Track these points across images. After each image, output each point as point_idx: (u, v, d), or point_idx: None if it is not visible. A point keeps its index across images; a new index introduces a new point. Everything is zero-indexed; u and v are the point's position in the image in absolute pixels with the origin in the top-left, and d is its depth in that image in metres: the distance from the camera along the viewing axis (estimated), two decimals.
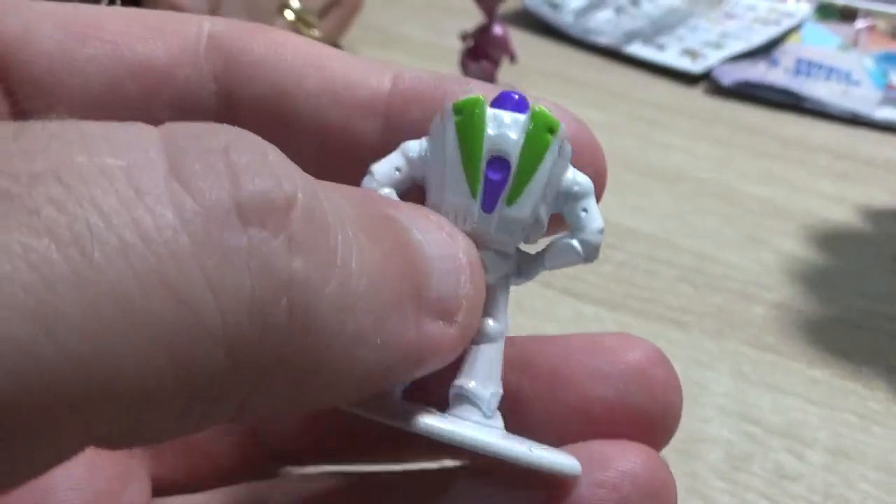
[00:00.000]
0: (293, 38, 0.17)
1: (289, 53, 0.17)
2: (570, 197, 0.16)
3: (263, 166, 0.11)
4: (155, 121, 0.15)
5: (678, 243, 0.39)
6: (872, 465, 0.27)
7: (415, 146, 0.16)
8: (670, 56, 0.59)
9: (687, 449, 0.27)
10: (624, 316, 0.34)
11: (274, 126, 0.17)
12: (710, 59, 0.58)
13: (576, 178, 0.16)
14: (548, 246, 0.17)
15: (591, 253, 0.16)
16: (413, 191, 0.17)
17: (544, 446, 0.17)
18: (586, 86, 0.55)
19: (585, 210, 0.16)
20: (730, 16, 0.65)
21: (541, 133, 0.15)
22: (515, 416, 0.17)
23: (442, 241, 0.14)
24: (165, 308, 0.10)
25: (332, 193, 0.12)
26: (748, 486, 0.26)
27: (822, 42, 0.62)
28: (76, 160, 0.10)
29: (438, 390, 0.16)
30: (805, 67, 0.58)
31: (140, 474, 0.19)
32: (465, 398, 0.16)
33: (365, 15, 0.60)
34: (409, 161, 0.16)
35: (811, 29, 0.64)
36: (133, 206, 0.10)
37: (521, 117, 0.15)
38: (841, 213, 0.42)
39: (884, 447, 0.28)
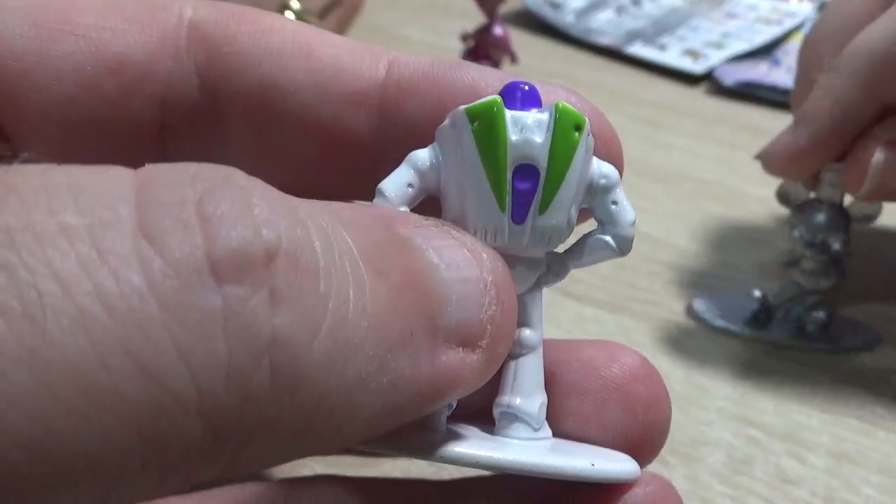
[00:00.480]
0: (280, 22, 0.16)
1: (276, 41, 0.16)
2: (599, 190, 0.15)
3: (242, 216, 0.10)
4: (135, 117, 0.14)
5: (679, 245, 0.39)
6: (875, 469, 0.27)
7: (424, 156, 0.15)
8: (671, 56, 0.59)
9: (688, 452, 0.27)
10: (625, 318, 0.34)
11: (263, 122, 0.16)
12: (711, 60, 0.58)
13: (602, 170, 0.15)
14: (578, 243, 0.16)
15: (625, 247, 0.16)
16: (426, 202, 0.15)
17: (600, 451, 0.16)
18: (587, 86, 0.55)
19: (615, 203, 0.16)
20: (731, 15, 0.65)
21: (568, 132, 0.14)
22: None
23: (463, 262, 0.13)
24: (132, 384, 0.09)
25: (330, 223, 0.11)
26: (750, 490, 0.26)
27: None
28: (34, 219, 0.09)
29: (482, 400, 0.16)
30: None
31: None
32: (513, 416, 0.15)
33: (365, 16, 0.60)
34: (421, 174, 0.15)
35: None
36: (95, 270, 0.09)
37: (544, 117, 0.14)
38: None
39: (887, 451, 0.28)
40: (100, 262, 0.09)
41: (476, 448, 0.14)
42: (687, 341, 0.32)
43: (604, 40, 0.61)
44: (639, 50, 0.60)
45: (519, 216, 0.14)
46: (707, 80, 0.57)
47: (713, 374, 0.31)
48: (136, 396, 0.09)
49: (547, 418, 0.16)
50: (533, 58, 0.58)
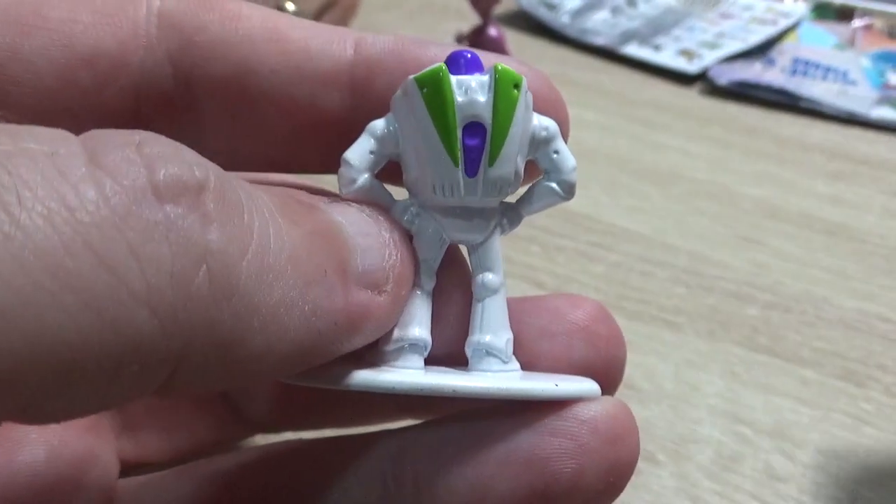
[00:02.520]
0: (247, 8, 0.17)
1: (245, 27, 0.16)
2: (541, 142, 0.17)
3: (176, 156, 0.12)
4: (111, 108, 0.15)
5: (672, 244, 0.39)
6: (863, 465, 0.27)
7: (381, 124, 0.16)
8: (666, 56, 0.59)
9: (677, 450, 0.28)
10: (617, 317, 0.33)
11: (238, 105, 0.17)
12: (706, 60, 0.58)
13: (542, 122, 0.17)
14: (527, 192, 0.18)
15: (569, 191, 0.17)
16: (388, 165, 0.17)
17: (564, 377, 0.18)
18: (582, 87, 0.56)
19: (557, 152, 0.17)
20: (726, 16, 0.65)
21: (507, 90, 0.15)
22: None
23: (364, 222, 0.15)
24: (92, 271, 0.10)
25: (249, 186, 0.13)
26: (738, 486, 0.26)
27: (818, 41, 0.62)
28: (2, 148, 0.11)
29: (458, 353, 0.17)
30: (802, 67, 0.58)
31: (105, 457, 0.19)
32: (483, 351, 0.17)
33: (362, 17, 0.61)
34: (380, 140, 0.16)
35: (808, 28, 0.64)
36: (58, 184, 0.10)
37: (485, 78, 0.15)
38: (836, 213, 0.42)
39: (875, 448, 0.28)
40: (60, 178, 0.11)
41: (443, 379, 0.16)
42: (678, 340, 0.33)
43: (599, 41, 0.62)
44: (634, 50, 0.60)
45: (471, 170, 0.16)
46: (701, 80, 0.57)
47: (704, 372, 0.31)
48: (95, 282, 0.10)
49: (521, 361, 0.18)
50: (528, 58, 0.58)
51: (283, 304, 0.12)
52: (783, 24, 0.63)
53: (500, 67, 0.15)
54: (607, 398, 0.17)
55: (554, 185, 0.17)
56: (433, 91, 0.15)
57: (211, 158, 0.17)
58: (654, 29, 0.64)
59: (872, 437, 0.28)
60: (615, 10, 0.66)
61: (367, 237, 0.15)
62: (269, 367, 0.13)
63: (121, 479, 0.20)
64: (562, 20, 0.64)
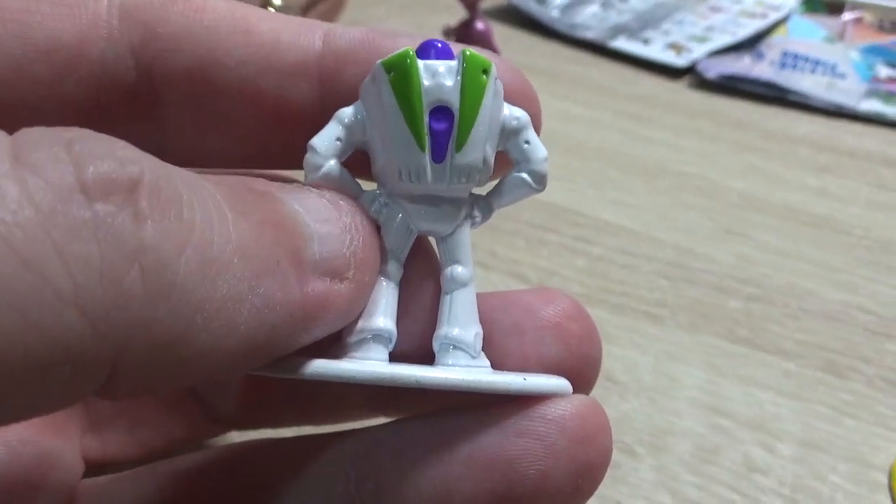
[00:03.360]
0: (213, 1, 0.17)
1: (210, 18, 0.16)
2: (511, 132, 0.17)
3: (108, 153, 0.12)
4: (71, 100, 0.15)
5: (657, 237, 0.39)
6: (843, 456, 0.27)
7: (350, 111, 0.16)
8: (655, 50, 0.59)
9: (656, 442, 0.28)
10: (599, 310, 0.34)
11: (203, 98, 0.16)
12: (694, 53, 0.58)
13: (513, 112, 0.17)
14: (498, 183, 0.17)
15: (540, 181, 0.17)
16: (356, 156, 0.17)
17: (535, 374, 0.17)
18: (572, 81, 0.55)
19: (528, 142, 0.17)
20: (716, 9, 0.65)
21: (476, 75, 0.15)
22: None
23: (322, 208, 0.15)
24: (14, 272, 0.10)
25: (193, 177, 0.13)
26: (717, 479, 0.26)
27: (808, 35, 0.62)
28: None
29: (425, 347, 0.17)
30: (791, 60, 0.58)
31: (68, 456, 0.19)
32: (450, 345, 0.17)
33: (350, 11, 0.61)
34: (347, 128, 0.16)
35: (797, 22, 0.64)
36: None
37: (453, 63, 0.15)
38: (821, 205, 0.42)
39: (855, 439, 0.28)
40: None
41: (406, 370, 0.15)
42: (660, 333, 0.33)
43: (589, 35, 0.61)
44: (623, 44, 0.60)
45: (438, 155, 0.15)
46: (690, 74, 0.57)
47: (685, 365, 0.31)
48: (17, 283, 0.10)
49: (491, 359, 0.17)
50: (518, 53, 0.58)
51: (230, 298, 0.12)
52: (773, 17, 0.63)
53: (468, 52, 0.15)
54: (578, 396, 0.17)
55: (525, 175, 0.17)
56: (400, 74, 0.15)
57: (178, 153, 0.17)
58: (644, 23, 0.64)
59: (853, 429, 0.28)
60: (605, 4, 0.66)
61: (326, 223, 0.15)
62: (220, 363, 0.13)
63: (85, 479, 0.20)
64: (551, 14, 0.64)
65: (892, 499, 0.26)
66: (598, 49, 0.60)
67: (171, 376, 0.12)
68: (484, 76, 0.15)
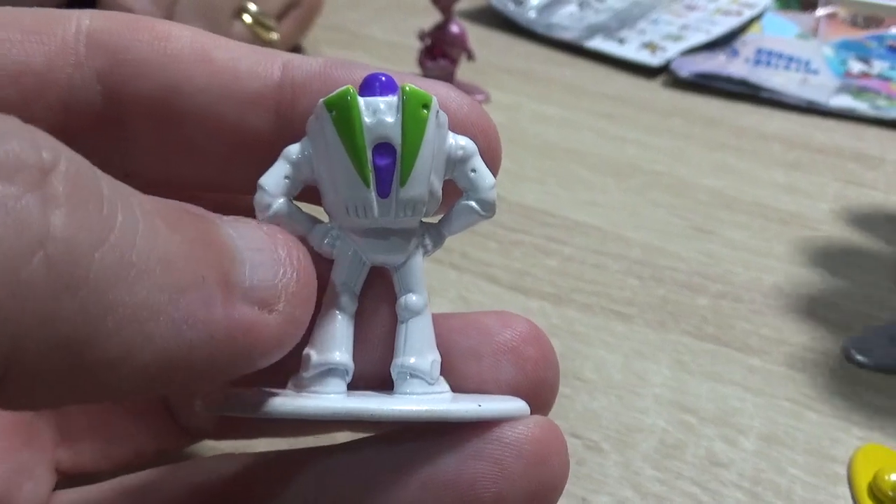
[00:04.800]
0: (177, 29, 0.17)
1: (174, 47, 0.17)
2: (458, 161, 0.17)
3: (21, 135, 0.11)
4: (39, 123, 0.15)
5: (627, 236, 0.39)
6: (803, 449, 0.28)
7: (295, 149, 0.16)
8: (630, 50, 0.60)
9: (622, 439, 0.28)
10: (569, 310, 0.34)
11: (166, 124, 0.17)
12: (669, 52, 0.59)
13: (457, 142, 0.17)
14: (448, 212, 0.18)
15: (488, 209, 0.17)
16: (307, 192, 0.17)
17: (491, 397, 0.17)
18: (547, 81, 0.56)
19: (474, 170, 0.17)
20: (691, 7, 0.66)
21: (416, 110, 0.16)
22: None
23: (258, 237, 0.15)
24: None
25: (121, 184, 0.12)
26: (679, 473, 0.27)
27: (782, 31, 0.63)
28: None
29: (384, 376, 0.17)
30: (765, 57, 0.59)
31: (38, 469, 0.20)
32: (407, 374, 0.17)
33: (328, 15, 0.61)
34: (295, 165, 0.16)
35: (771, 19, 0.64)
36: None
37: (394, 99, 0.16)
38: (790, 201, 0.43)
39: (815, 432, 0.29)
40: None
41: (362, 403, 0.16)
42: (627, 332, 0.33)
43: (565, 35, 0.62)
44: (598, 44, 0.61)
45: (383, 190, 0.16)
46: (664, 73, 0.57)
47: (652, 362, 0.32)
48: None
49: (450, 383, 0.17)
50: (494, 54, 0.59)
51: (146, 306, 0.12)
52: (747, 14, 0.64)
53: (407, 88, 0.16)
54: (535, 418, 0.17)
55: (473, 203, 0.17)
56: (341, 113, 0.15)
57: (143, 176, 0.17)
58: (621, 22, 0.64)
59: (814, 422, 0.29)
60: (582, 4, 0.67)
61: (260, 252, 0.14)
62: (132, 377, 0.12)
63: (57, 490, 0.20)
64: (528, 16, 0.65)
65: (851, 490, 0.26)
66: (575, 49, 0.61)
67: (76, 385, 0.11)
68: (424, 110, 0.16)
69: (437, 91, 0.16)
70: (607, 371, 0.31)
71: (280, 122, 0.17)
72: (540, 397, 0.18)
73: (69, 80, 0.16)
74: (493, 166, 0.18)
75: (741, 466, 0.27)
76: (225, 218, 0.15)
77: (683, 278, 0.36)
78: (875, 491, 0.26)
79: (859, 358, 0.32)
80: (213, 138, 0.17)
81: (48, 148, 0.11)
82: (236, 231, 0.14)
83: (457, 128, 0.17)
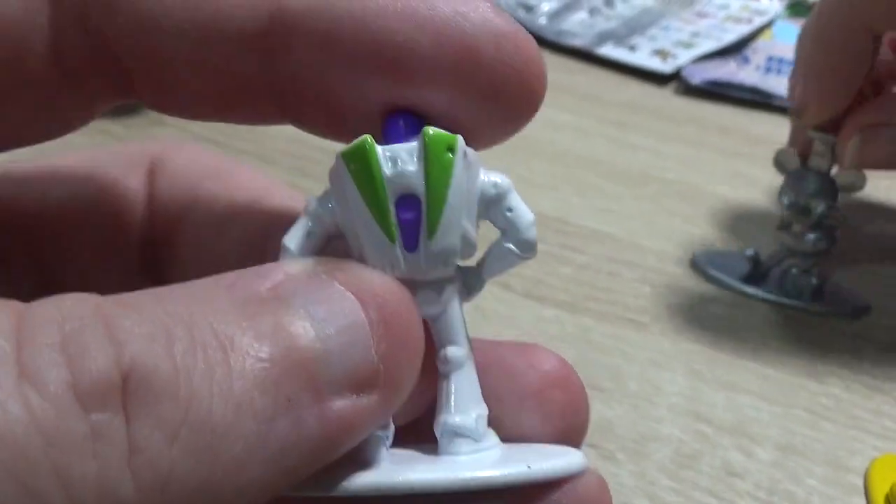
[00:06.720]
0: None
1: None
2: (491, 201, 0.16)
3: (100, 348, 0.11)
4: (33, 77, 0.15)
5: (641, 244, 0.39)
6: (820, 460, 0.28)
7: (315, 202, 0.15)
8: (641, 56, 0.60)
9: (637, 449, 0.28)
10: (584, 318, 0.34)
11: (152, 62, 0.16)
12: (680, 59, 0.59)
13: (490, 179, 0.16)
14: (486, 254, 0.17)
15: (528, 250, 0.16)
16: (334, 241, 0.16)
17: (541, 449, 0.16)
18: (558, 89, 0.56)
19: (511, 209, 0.16)
20: (702, 14, 0.66)
21: (440, 155, 0.14)
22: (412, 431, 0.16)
23: (340, 310, 0.13)
24: (14, 499, 0.10)
25: (190, 314, 0.12)
26: (695, 484, 0.27)
27: (793, 39, 0.63)
28: None
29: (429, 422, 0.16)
30: (776, 64, 0.59)
31: None
32: (452, 433, 0.16)
33: None
34: (318, 220, 0.15)
35: (782, 26, 0.64)
36: None
37: (414, 146, 0.14)
38: None
39: (832, 443, 0.29)
40: None
41: (402, 474, 0.14)
42: (642, 340, 0.33)
43: (576, 42, 0.62)
44: (609, 51, 0.61)
45: (410, 244, 0.15)
46: (676, 80, 0.57)
47: (667, 371, 0.32)
48: None
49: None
50: None
51: (236, 461, 0.11)
52: (758, 21, 0.64)
53: (429, 132, 0.14)
54: (586, 478, 0.16)
55: (511, 245, 0.16)
56: (360, 167, 0.14)
57: (149, 104, 0.17)
58: (631, 29, 0.64)
59: (830, 432, 0.29)
60: (593, 11, 0.67)
61: (347, 331, 0.13)
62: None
63: None
64: (539, 23, 0.65)
65: (868, 501, 0.26)
66: (586, 56, 0.61)
67: None
68: (449, 154, 0.14)
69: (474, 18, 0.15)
70: (623, 380, 0.31)
71: (271, 61, 0.15)
72: (569, 442, 0.17)
73: (51, 21, 0.15)
74: (535, 103, 0.16)
75: (757, 477, 0.27)
76: (301, 290, 0.13)
77: (698, 287, 0.36)
78: (893, 501, 0.26)
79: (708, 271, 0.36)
80: (199, 77, 0.16)
81: (126, 349, 0.12)
82: (313, 312, 0.13)
83: (497, 70, 0.16)
